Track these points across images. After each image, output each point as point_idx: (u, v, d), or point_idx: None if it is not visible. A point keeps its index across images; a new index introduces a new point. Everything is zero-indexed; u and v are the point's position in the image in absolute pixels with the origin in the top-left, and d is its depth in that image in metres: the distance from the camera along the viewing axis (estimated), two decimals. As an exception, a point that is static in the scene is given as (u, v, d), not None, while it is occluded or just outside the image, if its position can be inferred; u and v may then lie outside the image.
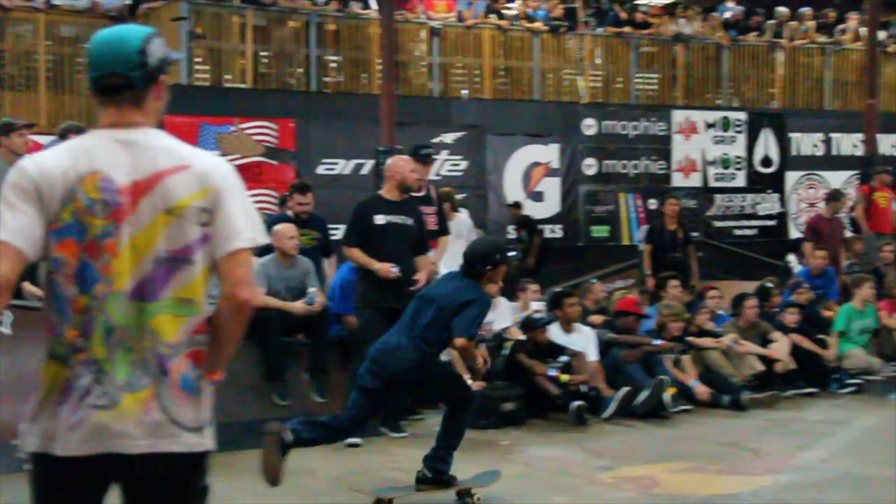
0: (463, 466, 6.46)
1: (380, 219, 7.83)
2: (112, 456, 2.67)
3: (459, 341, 6.12)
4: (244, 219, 2.83)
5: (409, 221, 7.95)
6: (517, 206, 15.82)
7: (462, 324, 6.07)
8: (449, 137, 16.08)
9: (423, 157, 8.92)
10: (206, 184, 2.78)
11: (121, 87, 2.78)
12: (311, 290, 8.35)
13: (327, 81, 16.04)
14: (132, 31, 2.84)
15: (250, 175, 14.50)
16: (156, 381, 2.72)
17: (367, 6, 16.14)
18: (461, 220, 11.04)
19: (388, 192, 8.04)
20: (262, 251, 8.35)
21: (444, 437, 6.26)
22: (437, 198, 9.05)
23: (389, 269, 7.67)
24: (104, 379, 2.69)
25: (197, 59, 15.01)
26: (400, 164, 8.13)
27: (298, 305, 8.28)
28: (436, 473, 6.20)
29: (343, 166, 15.07)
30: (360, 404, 6.28)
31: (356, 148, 14.88)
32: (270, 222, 9.11)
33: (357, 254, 7.83)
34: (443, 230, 8.93)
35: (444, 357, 8.80)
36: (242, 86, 15.35)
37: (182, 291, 2.75)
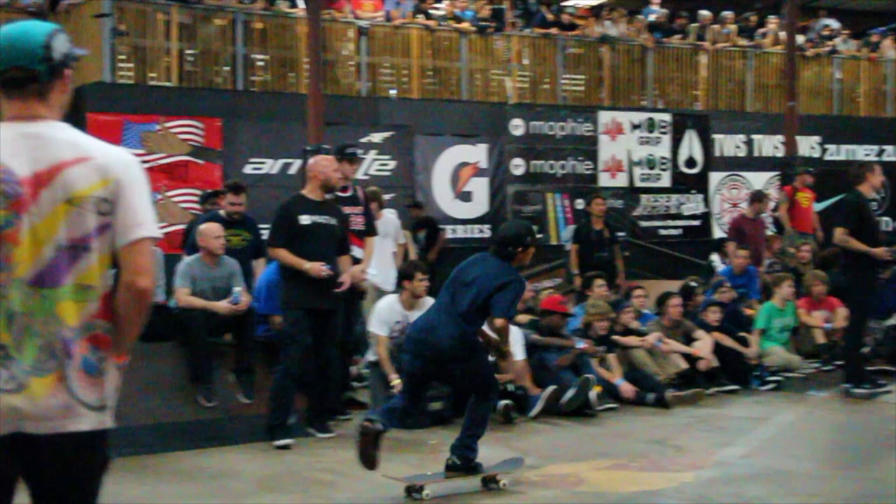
0: (390, 467, 6.46)
1: (305, 219, 7.76)
2: (19, 436, 2.77)
3: (499, 321, 6.39)
4: (145, 210, 2.92)
5: (334, 221, 7.92)
6: (418, 206, 15.75)
7: (502, 305, 6.35)
8: (377, 137, 16.07)
9: (349, 157, 8.88)
10: (107, 175, 2.85)
11: (25, 81, 2.85)
12: (236, 289, 8.29)
13: (254, 80, 15.91)
14: (36, 27, 2.92)
15: (176, 174, 14.38)
16: (61, 364, 2.81)
17: (294, 5, 16.05)
18: (388, 220, 11.04)
19: (311, 191, 7.97)
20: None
21: (470, 427, 6.50)
22: (364, 198, 9.02)
23: (321, 269, 7.63)
24: (11, 364, 2.77)
25: (120, 57, 14.79)
26: (322, 164, 8.07)
27: (223, 305, 8.21)
28: (464, 461, 6.47)
29: (271, 166, 14.98)
30: (409, 388, 6.62)
31: (284, 147, 14.81)
32: (201, 222, 9.04)
33: (285, 254, 7.76)
34: (370, 230, 8.91)
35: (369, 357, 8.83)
36: (167, 84, 15.16)
37: (82, 278, 2.84)
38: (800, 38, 19.49)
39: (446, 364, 6.46)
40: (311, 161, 8.31)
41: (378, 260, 9.59)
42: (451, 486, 6.45)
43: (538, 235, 11.63)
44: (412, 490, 6.35)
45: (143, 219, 2.89)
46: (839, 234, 9.42)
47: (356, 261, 8.64)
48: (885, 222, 19.63)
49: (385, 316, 8.79)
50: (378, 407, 6.80)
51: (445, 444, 7.66)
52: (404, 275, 9.03)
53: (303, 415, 7.97)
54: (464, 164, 16.88)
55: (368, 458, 6.23)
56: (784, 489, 6.37)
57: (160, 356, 8.23)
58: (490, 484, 6.50)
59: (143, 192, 2.93)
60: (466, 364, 6.48)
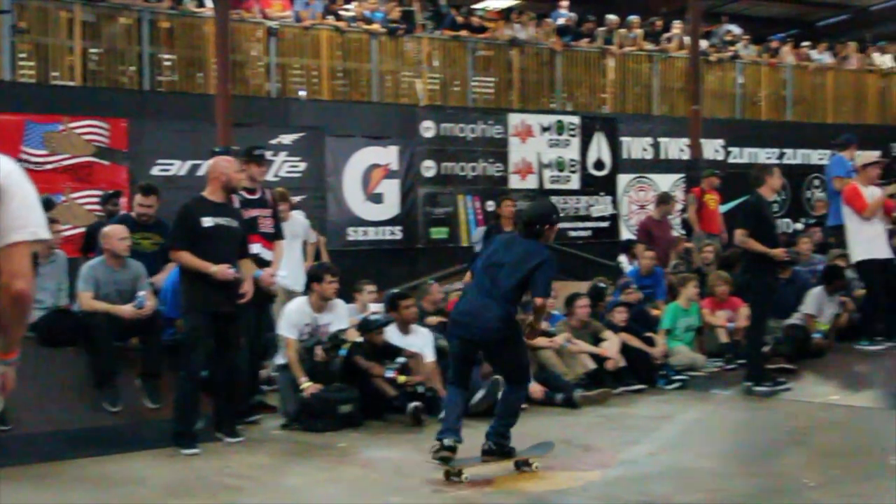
0: (297, 469, 6.44)
1: (207, 221, 7.64)
2: None
3: (539, 301, 6.75)
4: (24, 214, 2.95)
5: (235, 224, 7.83)
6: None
7: (541, 285, 6.72)
8: (287, 138, 15.97)
9: (257, 159, 8.77)
10: None
11: None
12: (141, 293, 8.16)
13: (161, 80, 15.66)
14: None
15: (80, 175, 14.10)
16: None
17: (201, 4, 15.84)
18: (297, 221, 10.98)
19: (212, 193, 7.83)
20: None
21: (503, 416, 6.90)
22: (273, 200, 8.95)
23: (227, 271, 7.55)
24: None
25: (21, 55, 14.43)
26: (223, 165, 7.92)
27: (127, 309, 8.09)
28: (499, 446, 6.82)
29: (179, 167, 14.78)
30: (458, 372, 6.94)
31: (192, 148, 14.61)
32: (113, 223, 8.91)
33: (188, 257, 7.61)
34: (278, 233, 8.85)
35: (281, 360, 8.77)
36: (71, 83, 14.84)
37: None
38: (703, 44, 19.90)
39: (493, 345, 6.87)
40: (210, 162, 8.11)
41: (287, 262, 9.53)
42: (487, 469, 6.78)
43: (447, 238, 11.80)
44: (451, 473, 6.61)
45: (22, 223, 2.93)
46: (739, 235, 9.66)
47: (265, 263, 8.59)
48: (786, 224, 20.15)
49: (294, 318, 8.75)
50: (443, 424, 6.86)
51: (355, 448, 7.70)
52: (313, 277, 8.99)
53: (210, 420, 7.87)
54: (375, 166, 16.86)
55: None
56: (688, 486, 6.49)
57: (62, 361, 8.10)
58: (522, 467, 6.81)
59: (25, 197, 2.96)
60: (511, 346, 6.84)
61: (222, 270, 7.53)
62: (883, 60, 23.89)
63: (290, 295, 9.75)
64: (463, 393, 7.05)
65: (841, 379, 10.35)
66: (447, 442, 6.64)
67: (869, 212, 11.14)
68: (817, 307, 11.52)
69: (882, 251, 11.26)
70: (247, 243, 8.02)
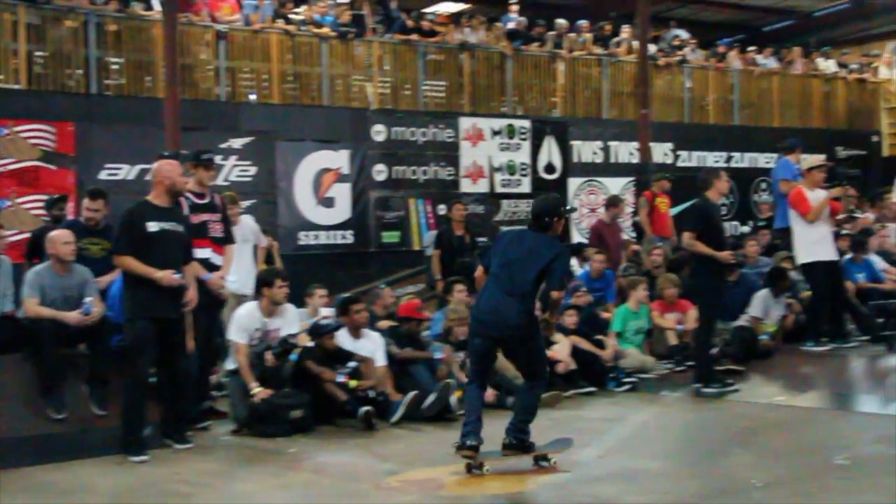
0: (247, 475, 6.41)
1: (152, 226, 7.56)
2: None
3: (556, 294, 6.96)
4: None
5: (181, 228, 7.76)
6: None
7: (557, 278, 6.92)
8: (237, 143, 15.88)
9: (206, 163, 8.71)
10: None
11: None
12: (88, 299, 8.07)
13: (109, 84, 15.50)
14: None
15: (27, 180, 13.93)
16: None
17: (149, 7, 15.70)
18: (247, 225, 10.93)
19: (156, 197, 7.75)
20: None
21: (521, 412, 7.05)
22: (222, 204, 8.90)
23: (173, 277, 7.48)
24: None
25: (-36, 59, 14.25)
26: (166, 169, 7.82)
27: (73, 316, 7.99)
28: (518, 441, 6.97)
29: (127, 171, 14.63)
30: (478, 369, 7.13)
31: (140, 153, 14.42)
32: (62, 227, 8.81)
33: (133, 262, 7.52)
34: (228, 238, 8.80)
35: (232, 365, 8.71)
36: (16, 87, 14.62)
37: None
38: (652, 48, 20.06)
39: (515, 341, 6.99)
40: (154, 166, 7.99)
41: (237, 266, 9.48)
42: (508, 463, 6.95)
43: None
44: (472, 466, 6.79)
45: None
46: (686, 237, 9.77)
47: (215, 267, 8.54)
48: (734, 226, 20.38)
49: (244, 323, 8.71)
50: (465, 426, 6.92)
51: (306, 453, 7.67)
52: (264, 281, 8.95)
53: (159, 426, 7.80)
54: (326, 170, 16.81)
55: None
56: (637, 488, 6.54)
57: (8, 368, 7.99)
58: (541, 461, 6.99)
59: None
60: (532, 341, 7.00)
61: (167, 277, 7.45)
62: (827, 65, 24.27)
63: (240, 300, 9.70)
64: (482, 392, 7.19)
65: (787, 380, 10.51)
66: (469, 443, 6.80)
67: (813, 215, 11.31)
68: (763, 309, 11.67)
69: (827, 253, 11.44)
70: (192, 248, 7.95)
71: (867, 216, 15.37)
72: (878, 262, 13.21)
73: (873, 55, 26.72)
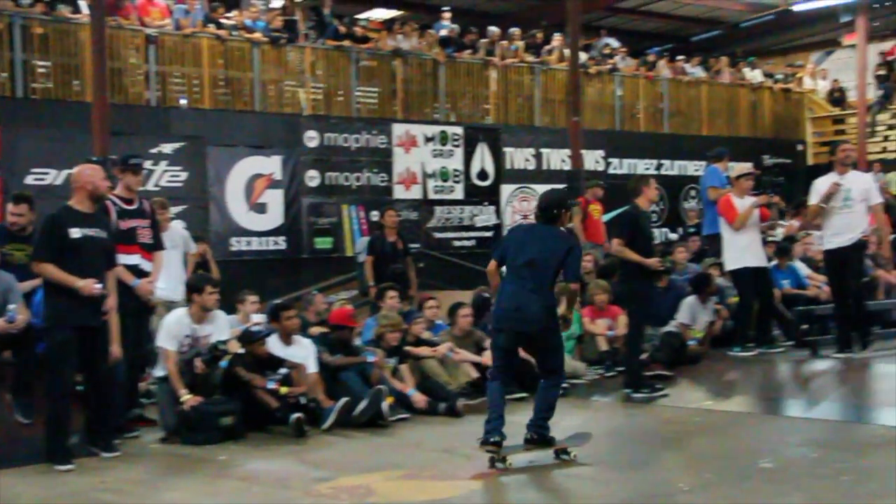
0: (175, 483, 6.34)
1: (75, 232, 7.39)
2: None
3: (574, 286, 7.26)
4: None
5: (104, 234, 7.63)
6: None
7: (573, 270, 7.21)
8: (168, 148, 15.74)
9: (133, 168, 8.61)
10: None
11: None
12: (12, 306, 7.92)
13: (35, 87, 15.25)
14: None
15: (-51, 184, 13.63)
16: None
17: (77, 10, 15.47)
18: (176, 231, 10.83)
19: (78, 203, 7.58)
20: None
21: (541, 410, 7.30)
22: (151, 210, 8.80)
23: (93, 287, 7.33)
24: None
25: None
26: (87, 173, 7.66)
27: (-3, 323, 7.84)
28: (539, 435, 7.24)
29: (55, 176, 14.38)
30: (502, 364, 7.34)
31: (68, 157, 14.11)
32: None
33: (53, 270, 7.34)
34: (158, 244, 8.70)
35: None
36: (-61, 90, 14.37)
37: None
38: (583, 56, 20.27)
39: (539, 336, 7.17)
40: (75, 171, 7.82)
41: (166, 272, 9.38)
42: (530, 456, 7.20)
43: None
44: (496, 460, 6.99)
45: None
46: (615, 244, 9.89)
47: (144, 274, 8.44)
48: (664, 233, 20.64)
49: (174, 330, 8.61)
50: (487, 423, 7.13)
51: (236, 460, 7.61)
52: (194, 288, 8.86)
53: (85, 434, 7.68)
54: (258, 176, 16.72)
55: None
56: (566, 492, 6.61)
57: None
58: (561, 455, 7.21)
59: None
60: (553, 336, 7.25)
61: (88, 286, 7.30)
62: (753, 75, 24.76)
63: (170, 306, 9.60)
64: (504, 389, 7.37)
65: (715, 385, 10.68)
66: (493, 439, 7.01)
67: (738, 223, 11.51)
68: (691, 315, 11.84)
69: (755, 259, 11.63)
70: (115, 254, 7.83)
71: (792, 223, 15.67)
72: (803, 269, 13.47)
73: (797, 66, 27.36)
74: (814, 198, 11.30)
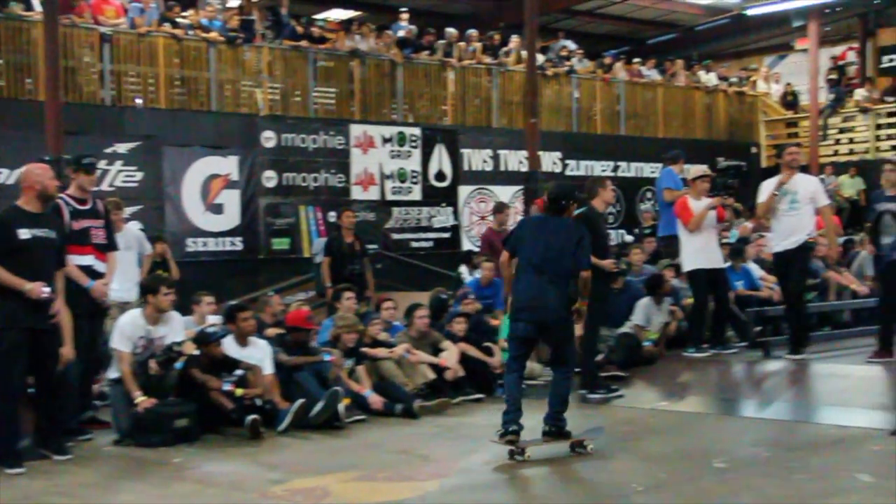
0: (128, 486, 6.28)
1: (24, 233, 7.27)
2: None
3: (585, 273, 7.52)
4: None
5: (53, 235, 7.52)
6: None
7: (584, 258, 7.54)
8: (123, 148, 15.62)
9: (86, 167, 8.52)
10: None
11: None
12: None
13: (-14, 86, 15.08)
14: None
15: None
16: None
17: (29, 8, 15.29)
18: (130, 232, 10.74)
19: (27, 203, 7.45)
20: None
21: (555, 404, 7.59)
22: (105, 210, 8.72)
23: (41, 290, 7.21)
24: None
25: None
26: (36, 172, 7.53)
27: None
28: (557, 428, 7.53)
29: (7, 176, 14.24)
30: (519, 354, 7.63)
31: (21, 157, 13.88)
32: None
33: (1, 272, 7.19)
34: (111, 244, 8.62)
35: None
36: None
37: None
38: (540, 58, 20.36)
39: (557, 326, 7.45)
40: (23, 170, 7.69)
41: (120, 274, 9.30)
42: (547, 449, 7.46)
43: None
44: (514, 452, 7.25)
45: None
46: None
47: (98, 275, 8.37)
48: (620, 235, 20.77)
49: (128, 331, 8.54)
50: (505, 415, 7.43)
51: (191, 463, 7.56)
52: (148, 289, 8.80)
53: (37, 437, 7.59)
54: (214, 176, 16.63)
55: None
56: (522, 493, 6.64)
57: None
58: (577, 448, 7.48)
59: None
60: (569, 326, 7.58)
61: (36, 290, 7.17)
62: (708, 78, 25.00)
63: (124, 308, 9.52)
64: (521, 380, 7.71)
65: (670, 386, 10.76)
66: (511, 429, 7.30)
67: (692, 224, 11.60)
68: (646, 317, 11.92)
69: (710, 261, 11.71)
70: (65, 255, 7.74)
71: (746, 225, 15.83)
72: (756, 270, 13.62)
73: (751, 69, 27.69)
74: (762, 198, 11.44)
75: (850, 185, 22.75)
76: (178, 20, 17.05)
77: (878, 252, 11.13)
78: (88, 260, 8.33)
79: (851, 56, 28.13)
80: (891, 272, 10.84)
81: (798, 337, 11.31)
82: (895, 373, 10.56)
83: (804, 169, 11.92)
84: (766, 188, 11.36)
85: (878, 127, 24.81)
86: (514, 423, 7.33)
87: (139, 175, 15.76)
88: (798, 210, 11.11)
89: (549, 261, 7.41)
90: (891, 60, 27.34)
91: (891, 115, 24.87)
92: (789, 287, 11.42)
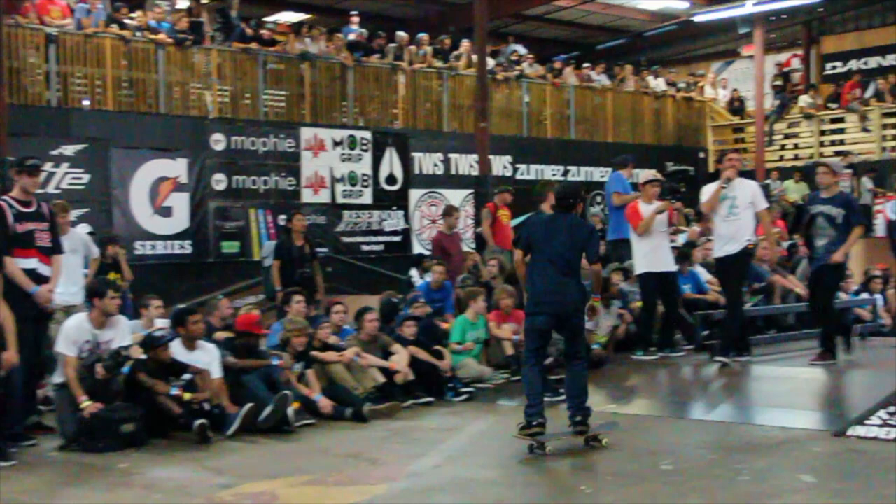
0: (73, 493, 6.21)
1: None
2: None
3: (597, 267, 7.99)
4: None
5: None
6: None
7: (594, 252, 7.90)
8: (69, 150, 15.47)
9: (30, 169, 8.40)
10: None
11: None
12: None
13: (-70, 87, 14.80)
14: None
15: None
16: None
17: (-27, 8, 15.07)
18: (76, 235, 10.60)
19: None
20: None
21: (576, 395, 7.74)
22: (50, 213, 8.61)
23: None
24: None
25: None
26: None
27: None
28: (585, 418, 7.67)
29: (-52, 178, 13.99)
30: (537, 346, 7.79)
31: (-35, 159, 13.86)
32: None
33: None
34: (57, 248, 8.52)
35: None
36: None
37: None
38: (491, 62, 20.44)
39: (573, 318, 7.71)
40: None
41: (66, 277, 9.19)
42: (564, 443, 7.64)
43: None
44: (534, 447, 7.43)
45: None
46: (518, 253, 9.95)
47: (43, 279, 8.26)
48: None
49: (73, 335, 8.42)
50: (528, 408, 7.57)
51: (138, 468, 7.49)
52: (95, 292, 8.70)
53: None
54: (163, 179, 16.51)
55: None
56: (471, 496, 6.64)
57: None
58: (592, 442, 7.66)
59: None
60: (581, 319, 7.87)
61: None
62: (657, 84, 25.24)
63: (69, 311, 9.40)
64: (541, 373, 7.86)
65: (618, 389, 10.82)
66: (536, 421, 7.46)
67: (641, 228, 11.70)
68: (594, 320, 11.98)
69: (660, 264, 11.81)
70: (2, 256, 7.61)
71: (693, 229, 15.98)
72: (703, 274, 13.75)
73: (699, 75, 27.99)
74: (705, 198, 11.51)
75: (796, 190, 23.08)
76: (126, 21, 16.90)
77: (812, 255, 11.23)
78: (33, 263, 8.23)
79: (796, 63, 28.60)
80: (822, 274, 10.96)
81: (737, 341, 11.38)
82: (837, 375, 10.74)
83: (745, 174, 12.01)
84: (708, 191, 11.43)
85: (822, 133, 25.22)
86: (538, 415, 7.49)
87: (86, 177, 15.61)
88: (738, 216, 11.09)
89: (566, 258, 7.72)
90: (834, 68, 27.82)
91: (834, 121, 25.30)
92: (727, 292, 11.54)
